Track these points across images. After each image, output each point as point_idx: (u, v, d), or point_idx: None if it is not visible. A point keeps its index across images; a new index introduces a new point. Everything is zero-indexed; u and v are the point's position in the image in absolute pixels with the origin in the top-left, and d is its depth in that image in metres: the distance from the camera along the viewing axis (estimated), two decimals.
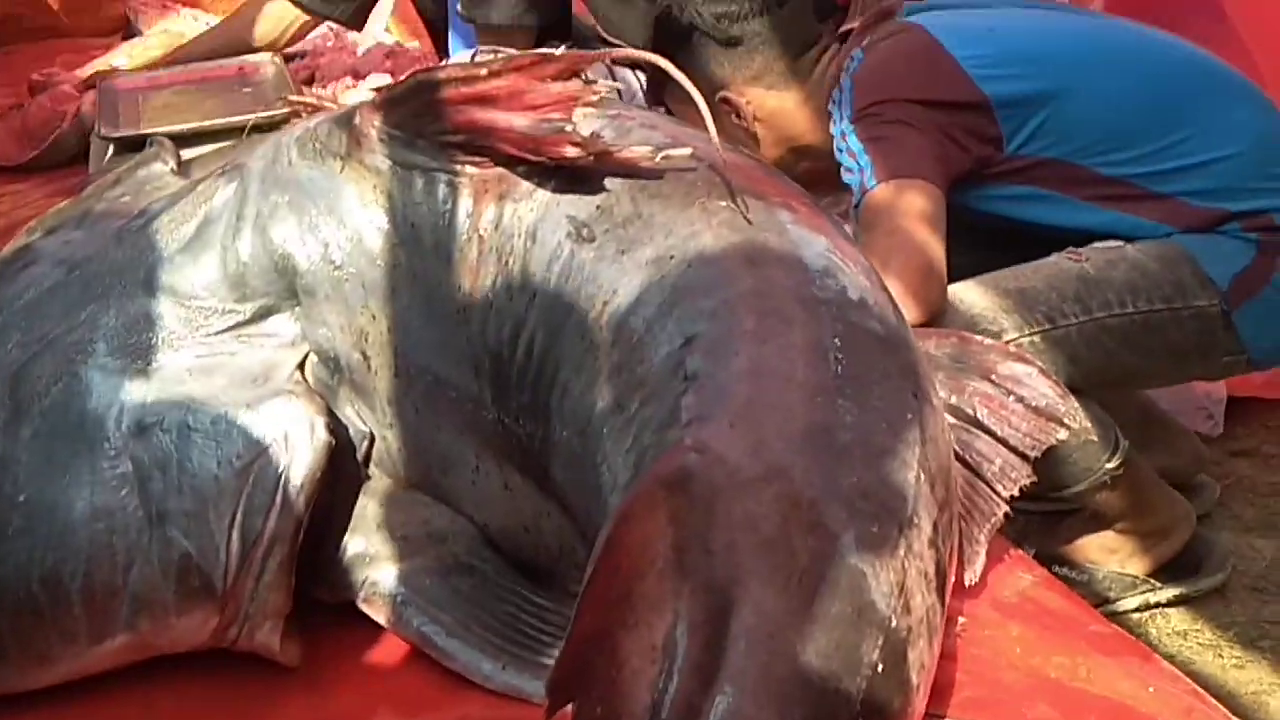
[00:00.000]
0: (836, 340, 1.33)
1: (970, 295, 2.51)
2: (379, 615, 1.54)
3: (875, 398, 1.30)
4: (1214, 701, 1.47)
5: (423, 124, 1.50)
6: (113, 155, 2.64)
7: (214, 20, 3.83)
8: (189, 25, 3.90)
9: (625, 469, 1.33)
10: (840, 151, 2.51)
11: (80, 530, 1.44)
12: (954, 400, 1.50)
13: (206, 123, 2.56)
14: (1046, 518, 2.97)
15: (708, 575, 1.16)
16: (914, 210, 2.39)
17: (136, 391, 1.49)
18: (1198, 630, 2.86)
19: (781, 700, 1.13)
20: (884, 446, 1.27)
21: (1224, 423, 3.45)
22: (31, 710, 1.49)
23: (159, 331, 1.53)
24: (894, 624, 1.20)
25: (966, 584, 1.49)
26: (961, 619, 1.51)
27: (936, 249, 2.37)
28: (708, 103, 1.48)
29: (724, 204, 1.44)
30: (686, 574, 1.15)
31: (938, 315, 2.34)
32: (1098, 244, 2.59)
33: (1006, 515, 1.50)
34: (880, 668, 1.18)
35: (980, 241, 2.61)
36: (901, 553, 1.23)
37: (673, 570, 1.15)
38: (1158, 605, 2.91)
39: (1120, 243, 2.58)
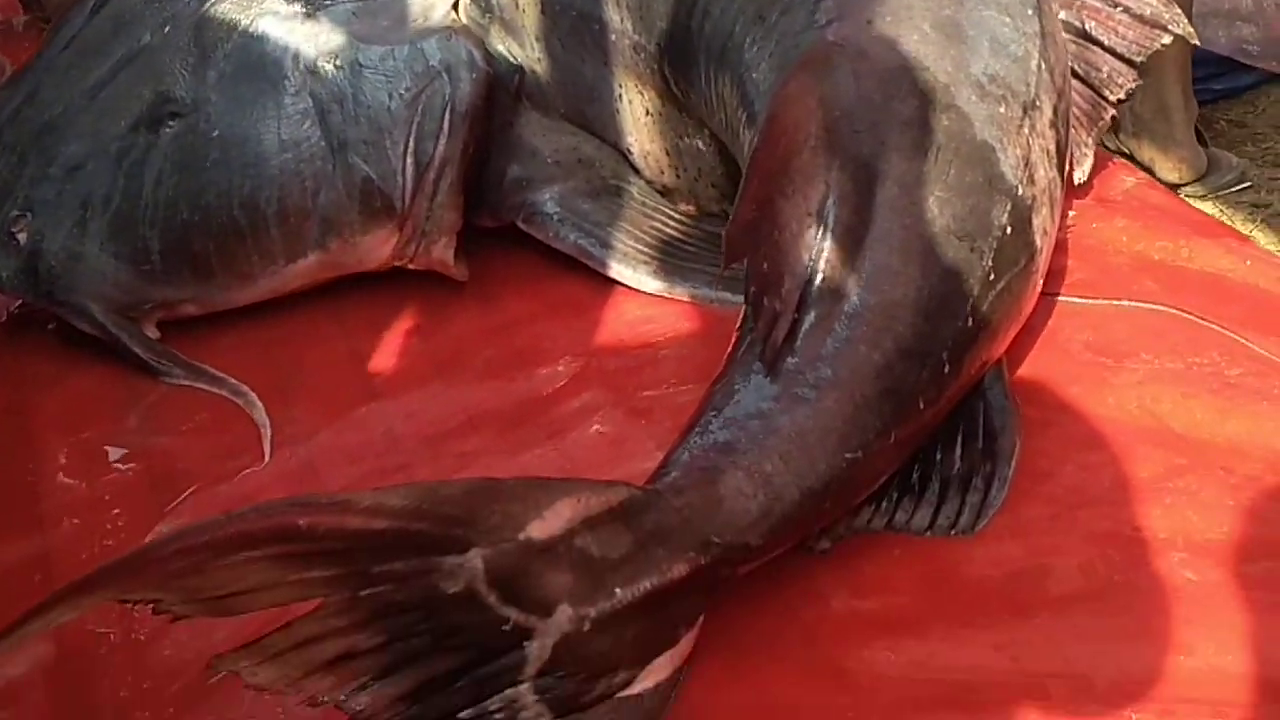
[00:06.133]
0: None
1: None
2: (539, 233, 1.70)
3: None
4: None
5: None
6: None
7: None
8: None
9: (769, 74, 1.45)
10: None
11: (271, 160, 1.60)
12: (1064, 15, 1.60)
13: None
14: None
15: (855, 151, 1.29)
16: None
17: (308, 34, 1.63)
18: None
19: (923, 256, 1.27)
20: (1008, 39, 1.39)
21: None
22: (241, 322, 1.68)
23: None
24: (1020, 192, 1.33)
25: (1075, 183, 1.63)
26: (1072, 212, 1.64)
27: None
28: None
29: None
30: (836, 150, 1.29)
31: None
32: None
33: (1113, 119, 1.62)
34: (1008, 230, 1.32)
35: None
36: (1026, 130, 1.36)
37: (824, 147, 1.29)
38: None
39: None
